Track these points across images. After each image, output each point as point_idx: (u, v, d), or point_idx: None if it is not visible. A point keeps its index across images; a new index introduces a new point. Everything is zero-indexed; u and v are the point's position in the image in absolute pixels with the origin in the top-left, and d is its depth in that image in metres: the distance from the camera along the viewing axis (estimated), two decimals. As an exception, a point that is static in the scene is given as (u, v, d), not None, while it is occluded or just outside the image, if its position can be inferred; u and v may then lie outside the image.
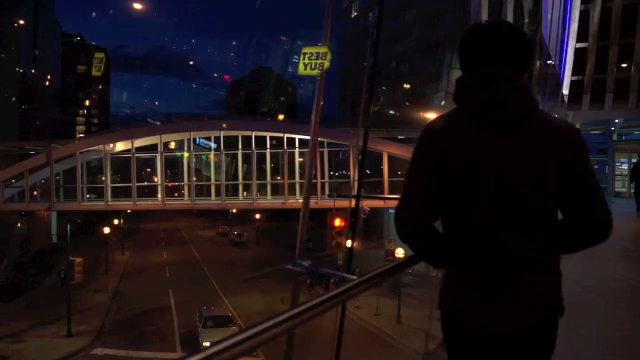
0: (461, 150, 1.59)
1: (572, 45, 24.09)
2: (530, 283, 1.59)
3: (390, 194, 28.53)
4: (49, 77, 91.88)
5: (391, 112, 53.22)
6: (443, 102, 30.66)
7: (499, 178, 1.56)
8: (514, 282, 1.58)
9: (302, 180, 30.42)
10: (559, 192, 1.60)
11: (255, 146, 32.28)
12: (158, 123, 37.63)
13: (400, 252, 25.70)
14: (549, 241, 1.62)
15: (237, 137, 33.24)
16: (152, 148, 33.36)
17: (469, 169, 1.58)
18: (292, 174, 31.73)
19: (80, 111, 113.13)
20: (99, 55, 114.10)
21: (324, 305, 1.26)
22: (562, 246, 1.67)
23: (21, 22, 77.14)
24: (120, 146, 33.95)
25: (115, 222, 50.66)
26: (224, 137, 33.09)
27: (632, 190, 18.27)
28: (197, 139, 37.02)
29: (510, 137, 1.56)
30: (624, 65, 24.13)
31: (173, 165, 36.27)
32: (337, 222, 15.26)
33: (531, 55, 1.71)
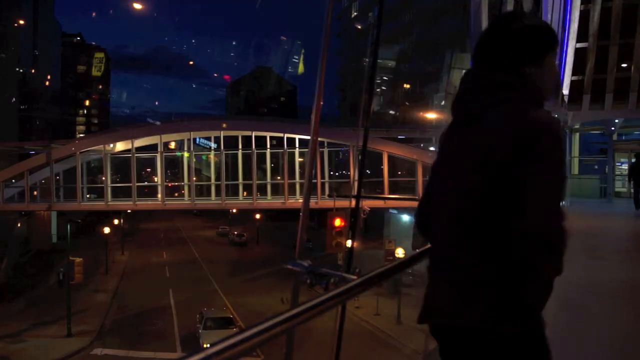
0: (439, 149, 1.72)
1: (572, 45, 24.05)
2: (446, 285, 1.55)
3: (390, 194, 28.55)
4: (49, 77, 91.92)
5: (391, 112, 53.25)
6: (443, 102, 30.67)
7: (443, 176, 1.63)
8: (436, 282, 1.60)
9: (302, 180, 30.43)
10: (501, 192, 1.47)
11: (255, 146, 32.29)
12: (158, 123, 37.65)
13: (400, 252, 25.71)
14: (479, 245, 1.50)
15: (237, 137, 33.26)
16: (152, 148, 33.36)
17: (433, 167, 1.70)
18: (292, 174, 31.74)
19: (80, 111, 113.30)
20: (99, 55, 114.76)
21: (324, 305, 1.26)
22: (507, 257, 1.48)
23: (21, 22, 77.16)
24: (120, 146, 33.96)
25: (115, 222, 50.72)
26: (224, 137, 33.09)
27: (632, 190, 18.50)
28: (197, 139, 37.04)
29: (461, 135, 1.59)
30: (624, 65, 24.08)
31: (173, 165, 36.29)
32: (337, 222, 15.44)
33: (517, 50, 1.59)
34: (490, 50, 1.62)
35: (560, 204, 1.43)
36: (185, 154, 33.64)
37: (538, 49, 1.62)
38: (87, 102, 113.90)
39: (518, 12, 1.80)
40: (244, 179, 33.28)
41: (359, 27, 61.01)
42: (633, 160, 19.92)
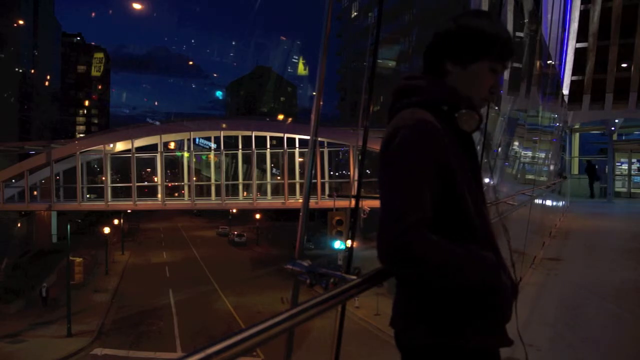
0: None
1: (572, 45, 24.10)
2: (396, 295, 1.53)
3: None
4: (49, 77, 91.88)
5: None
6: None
7: None
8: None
9: (302, 180, 30.44)
10: None
11: (255, 146, 32.30)
12: (158, 123, 37.66)
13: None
14: None
15: (237, 137, 33.27)
16: (152, 148, 33.38)
17: None
18: (292, 174, 31.75)
19: (80, 111, 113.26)
20: (99, 55, 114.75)
21: (324, 305, 1.26)
22: None
23: (21, 22, 77.13)
24: (120, 146, 33.97)
25: (115, 222, 50.71)
26: (224, 137, 33.11)
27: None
28: (197, 139, 37.05)
29: None
30: (624, 65, 24.13)
31: (173, 165, 36.29)
32: (337, 217, 17.13)
33: (442, 43, 1.50)
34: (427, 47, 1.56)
35: (405, 208, 1.27)
36: (185, 154, 33.64)
37: (465, 48, 1.47)
38: (87, 102, 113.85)
39: (475, 12, 1.60)
40: (244, 179, 33.31)
41: (359, 27, 61.00)
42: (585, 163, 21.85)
